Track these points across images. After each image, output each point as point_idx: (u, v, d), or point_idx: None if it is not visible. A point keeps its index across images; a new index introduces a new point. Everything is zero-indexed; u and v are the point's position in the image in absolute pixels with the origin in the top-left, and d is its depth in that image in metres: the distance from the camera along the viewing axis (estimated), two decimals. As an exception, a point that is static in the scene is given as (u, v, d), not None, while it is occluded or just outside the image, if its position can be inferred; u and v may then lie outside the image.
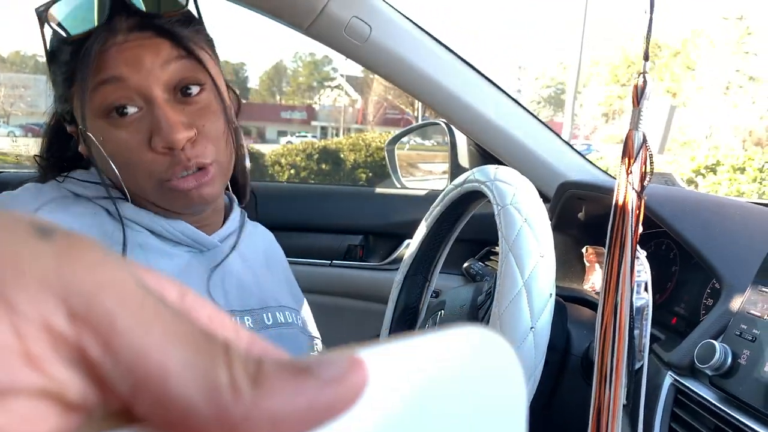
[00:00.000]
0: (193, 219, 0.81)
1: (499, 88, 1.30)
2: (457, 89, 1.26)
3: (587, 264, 1.14)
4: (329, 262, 1.63)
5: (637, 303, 0.52)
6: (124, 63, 0.70)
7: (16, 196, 0.76)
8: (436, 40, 1.26)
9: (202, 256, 0.82)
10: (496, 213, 0.77)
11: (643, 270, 0.52)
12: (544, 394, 0.80)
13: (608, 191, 1.07)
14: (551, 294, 0.69)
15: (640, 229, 0.50)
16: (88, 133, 0.75)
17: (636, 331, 0.52)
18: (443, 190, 1.00)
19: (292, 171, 11.70)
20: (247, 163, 0.94)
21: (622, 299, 0.52)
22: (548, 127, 1.33)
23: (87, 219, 0.75)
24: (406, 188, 1.82)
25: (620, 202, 0.50)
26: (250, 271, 0.88)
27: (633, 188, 0.49)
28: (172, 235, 0.79)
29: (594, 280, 1.11)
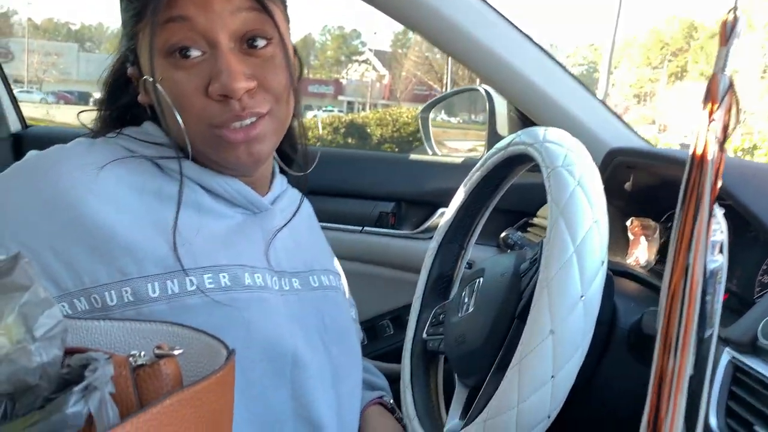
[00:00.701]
0: (245, 179, 0.80)
1: (544, 50, 1.24)
2: (501, 50, 1.20)
3: (631, 237, 1.09)
4: (360, 228, 1.59)
5: (710, 266, 0.48)
6: (193, 3, 0.69)
7: (69, 149, 0.75)
8: (484, 1, 1.20)
9: (255, 217, 0.81)
10: (545, 176, 0.73)
11: (719, 229, 0.48)
12: (588, 367, 0.75)
13: (661, 159, 1.02)
14: (603, 262, 0.65)
15: (719, 184, 0.46)
16: (145, 77, 0.74)
17: (708, 297, 0.48)
18: (483, 156, 0.96)
19: (319, 144, 11.70)
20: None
21: (695, 260, 0.47)
22: (593, 94, 1.27)
23: (142, 176, 0.74)
24: (440, 156, 1.78)
25: (699, 152, 0.45)
26: (294, 235, 0.87)
27: (716, 136, 0.44)
28: (228, 194, 0.78)
29: (638, 254, 1.07)
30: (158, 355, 0.45)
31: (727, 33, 0.42)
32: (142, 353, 0.45)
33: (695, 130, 0.46)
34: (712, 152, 0.45)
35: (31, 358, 0.36)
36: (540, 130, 0.81)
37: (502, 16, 1.22)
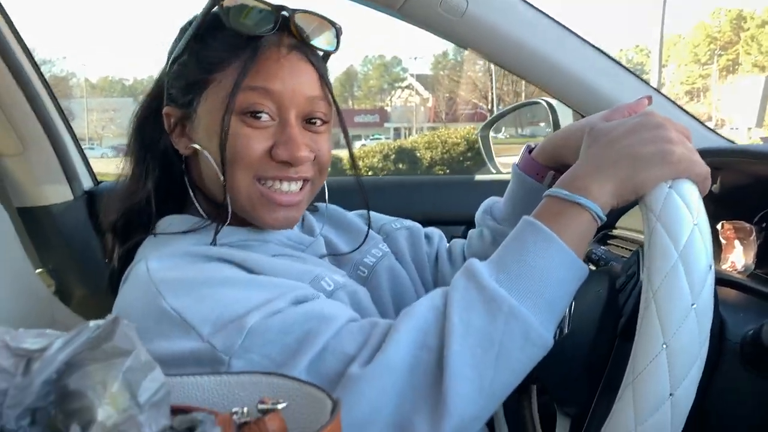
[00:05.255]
0: None
1: (612, 59, 1.20)
2: (565, 62, 1.17)
3: (723, 241, 1.02)
4: None
5: None
6: (279, 78, 0.77)
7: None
8: (538, 10, 1.17)
9: (306, 251, 0.89)
10: None
11: None
12: (700, 384, 0.70)
13: (749, 155, 0.96)
14: (711, 266, 0.60)
15: None
16: (194, 139, 0.82)
17: None
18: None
19: (370, 173, 11.73)
20: None
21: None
22: (669, 98, 1.22)
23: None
24: (503, 174, 1.74)
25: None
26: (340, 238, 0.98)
27: None
28: (278, 241, 0.86)
29: (734, 259, 1.00)
30: (262, 411, 0.43)
31: None
32: (245, 409, 0.43)
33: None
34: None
35: (141, 430, 0.34)
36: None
37: (563, 26, 1.18)
